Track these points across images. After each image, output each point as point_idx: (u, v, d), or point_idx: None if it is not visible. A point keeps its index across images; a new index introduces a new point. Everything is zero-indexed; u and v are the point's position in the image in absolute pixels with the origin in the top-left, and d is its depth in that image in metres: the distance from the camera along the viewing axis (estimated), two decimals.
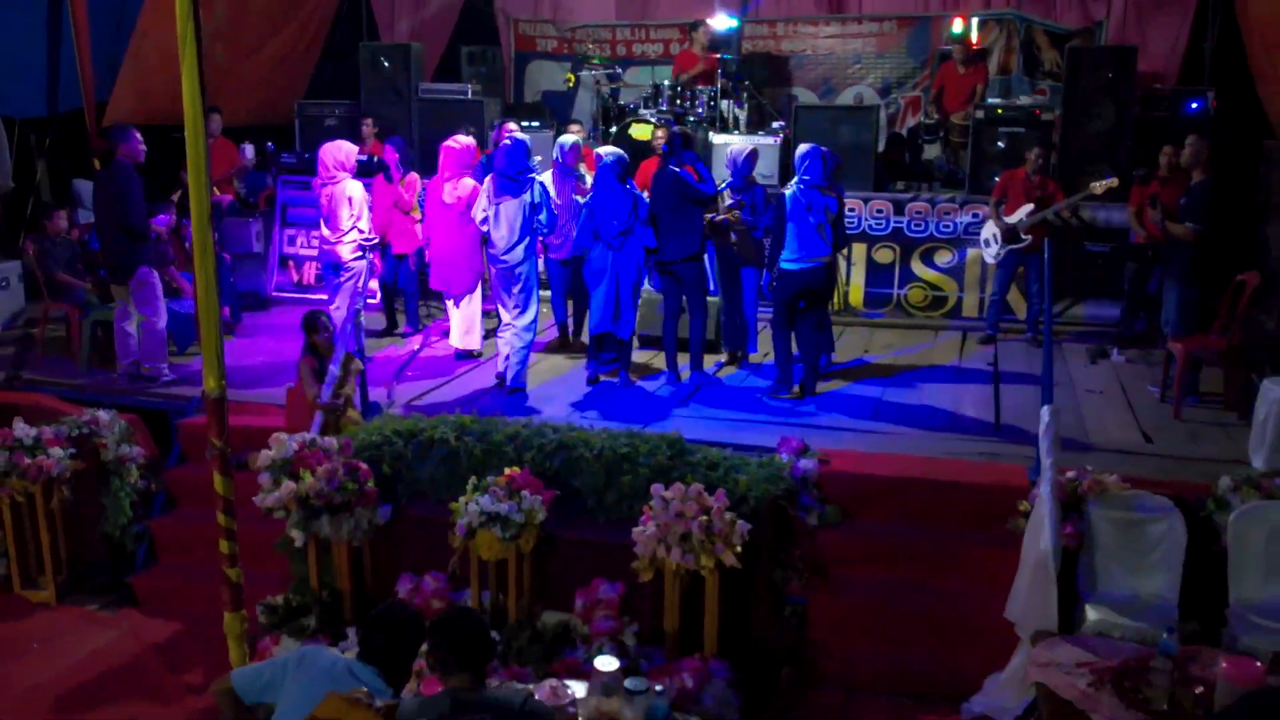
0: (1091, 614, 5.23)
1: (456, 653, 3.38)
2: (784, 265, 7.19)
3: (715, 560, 5.16)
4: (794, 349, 7.48)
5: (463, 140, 8.28)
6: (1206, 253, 7.21)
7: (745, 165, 7.90)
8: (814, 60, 13.23)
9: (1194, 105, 9.62)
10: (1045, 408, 5.38)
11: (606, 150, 7.52)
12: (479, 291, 8.34)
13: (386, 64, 11.19)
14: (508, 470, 5.55)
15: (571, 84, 11.84)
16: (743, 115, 11.42)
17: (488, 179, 7.57)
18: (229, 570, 4.84)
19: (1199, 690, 4.36)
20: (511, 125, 8.94)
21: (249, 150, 10.31)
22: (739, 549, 5.15)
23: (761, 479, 5.56)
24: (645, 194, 7.64)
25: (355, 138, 10.99)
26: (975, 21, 11.78)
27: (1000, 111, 9.94)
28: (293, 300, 10.36)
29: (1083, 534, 5.43)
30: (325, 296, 9.73)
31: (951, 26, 11.61)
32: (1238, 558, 5.29)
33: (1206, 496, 5.54)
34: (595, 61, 11.92)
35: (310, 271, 10.53)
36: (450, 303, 8.40)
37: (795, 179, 7.29)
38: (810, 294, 7.27)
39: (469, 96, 10.99)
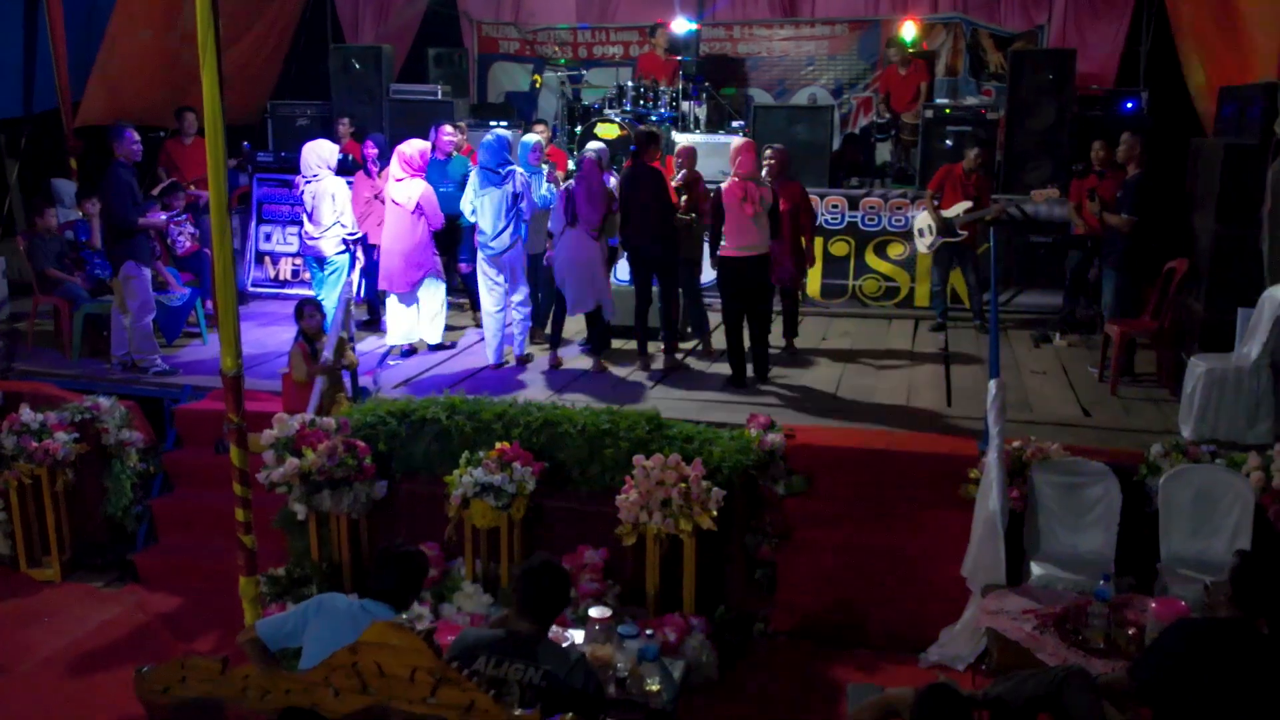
0: (1036, 569, 5.73)
1: (532, 600, 3.71)
2: (721, 254, 7.60)
3: (693, 525, 5.61)
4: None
5: (416, 144, 8.54)
6: (1141, 242, 7.77)
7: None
8: (769, 62, 13.75)
9: (1129, 105, 10.21)
10: (992, 382, 5.87)
11: (594, 145, 7.98)
12: (442, 285, 8.64)
13: (358, 66, 11.50)
14: (498, 445, 5.96)
15: (539, 85, 12.20)
16: (702, 115, 11.87)
17: (473, 173, 7.97)
18: (244, 537, 5.22)
19: (1132, 631, 4.86)
20: (448, 128, 9.27)
21: None
22: (715, 514, 5.60)
23: (733, 451, 6.01)
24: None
25: (329, 137, 11.35)
26: (919, 26, 12.34)
27: (948, 111, 10.48)
28: (270, 295, 10.67)
29: (1027, 497, 5.93)
30: (303, 291, 10.13)
31: (900, 33, 12.11)
32: (1167, 517, 5.81)
33: (1139, 463, 6.06)
34: (561, 64, 12.31)
35: (287, 267, 10.84)
36: (394, 299, 8.50)
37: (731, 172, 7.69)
38: (752, 280, 7.64)
39: (439, 97, 11.35)
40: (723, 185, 7.57)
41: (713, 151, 9.92)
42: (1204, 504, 5.79)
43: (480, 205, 7.82)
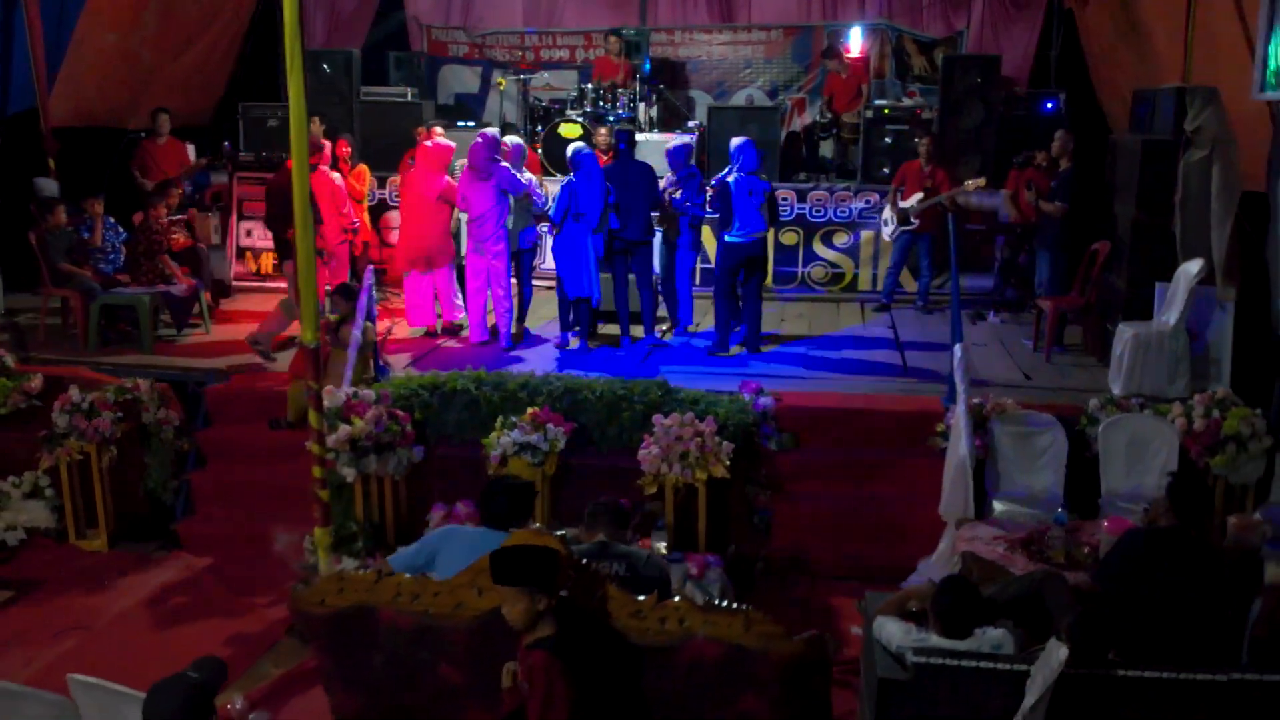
0: (998, 506, 6.67)
1: (605, 518, 4.56)
2: (730, 239, 8.46)
3: (707, 474, 6.43)
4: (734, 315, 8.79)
5: (440, 140, 9.29)
6: (1071, 227, 8.83)
7: (682, 156, 9.18)
8: (708, 65, 14.60)
9: (1049, 105, 11.30)
10: (956, 346, 6.83)
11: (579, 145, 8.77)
12: (452, 270, 9.36)
13: (328, 69, 12.05)
14: (530, 409, 6.70)
15: (503, 87, 12.87)
16: (654, 114, 12.67)
17: (462, 171, 8.68)
18: (320, 492, 5.90)
19: (1086, 549, 5.82)
20: (438, 129, 9.98)
21: (190, 150, 11.19)
22: (727, 464, 6.43)
23: (735, 411, 6.85)
24: None
25: None
26: (858, 30, 13.36)
27: (887, 112, 11.47)
28: (254, 288, 11.19)
29: (988, 445, 6.87)
30: (285, 284, 10.72)
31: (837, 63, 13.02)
32: (1106, 459, 6.80)
33: (1080, 415, 7.05)
34: (521, 78, 13.02)
35: (268, 261, 11.37)
36: (411, 282, 9.27)
37: (734, 168, 8.55)
38: (752, 262, 8.57)
39: (408, 99, 11.98)
40: (729, 179, 8.42)
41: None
42: (1136, 447, 6.80)
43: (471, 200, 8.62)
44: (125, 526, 7.55)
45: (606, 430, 6.88)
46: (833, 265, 11.28)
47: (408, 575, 4.32)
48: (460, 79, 15.11)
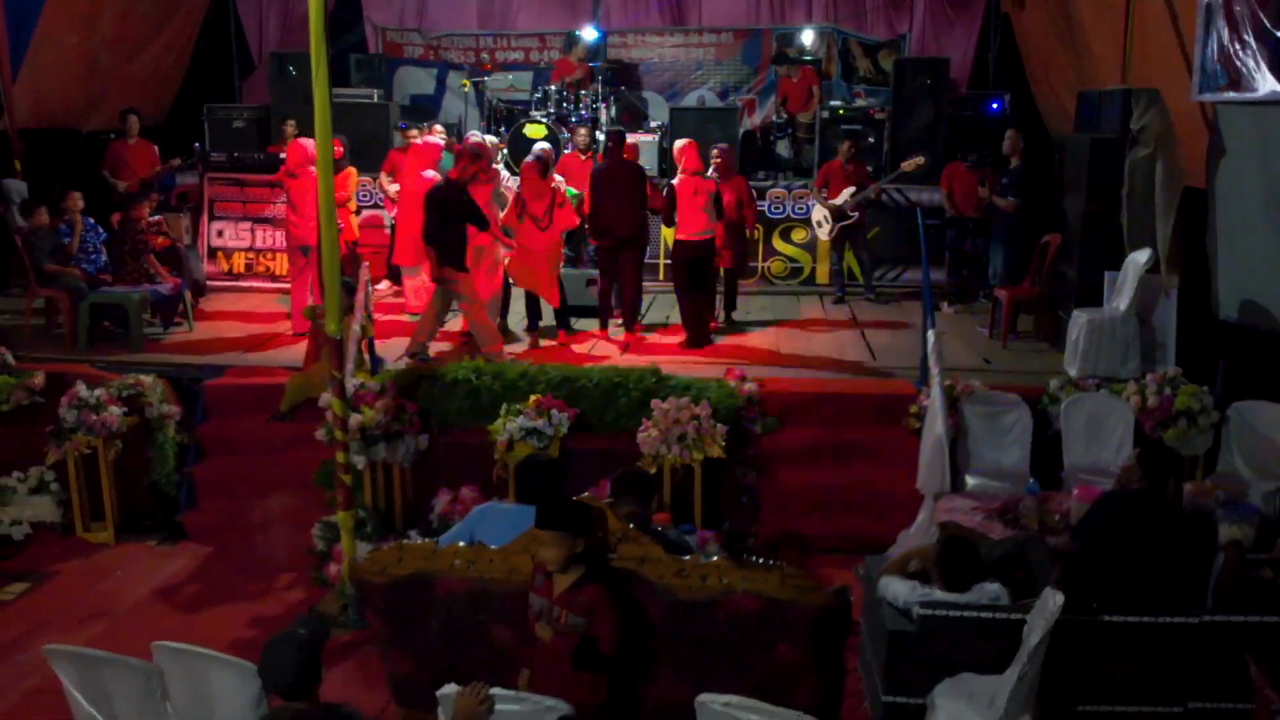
0: (970, 481, 7.16)
1: (632, 485, 4.89)
2: (679, 238, 8.88)
3: (704, 454, 6.83)
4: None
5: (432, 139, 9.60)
6: (1023, 221, 9.39)
7: None
8: (660, 66, 15.04)
9: (995, 105, 11.90)
10: (930, 332, 7.29)
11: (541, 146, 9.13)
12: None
13: (294, 71, 12.22)
14: (534, 396, 7.05)
15: (467, 89, 13.17)
16: (613, 115, 13.05)
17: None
18: (344, 476, 6.20)
19: (1058, 516, 6.32)
20: (439, 127, 10.29)
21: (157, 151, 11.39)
22: (723, 444, 6.84)
23: (725, 396, 7.26)
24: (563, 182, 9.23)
25: (268, 139, 12.11)
26: (811, 34, 13.89)
27: (842, 112, 11.99)
28: (226, 288, 11.36)
29: (959, 424, 7.36)
30: (256, 284, 10.99)
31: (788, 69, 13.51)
32: (1067, 435, 7.33)
33: (1040, 395, 7.58)
34: (482, 79, 13.32)
35: (240, 260, 11.55)
36: (410, 274, 9.65)
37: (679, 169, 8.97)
38: (702, 260, 9.02)
39: (375, 100, 12.22)
40: (675, 181, 8.81)
41: None
42: (1094, 424, 7.34)
43: None
44: (130, 519, 7.75)
45: (604, 415, 7.24)
46: (791, 260, 11.75)
47: (461, 545, 4.66)
48: (416, 80, 15.37)
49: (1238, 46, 7.65)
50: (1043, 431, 7.44)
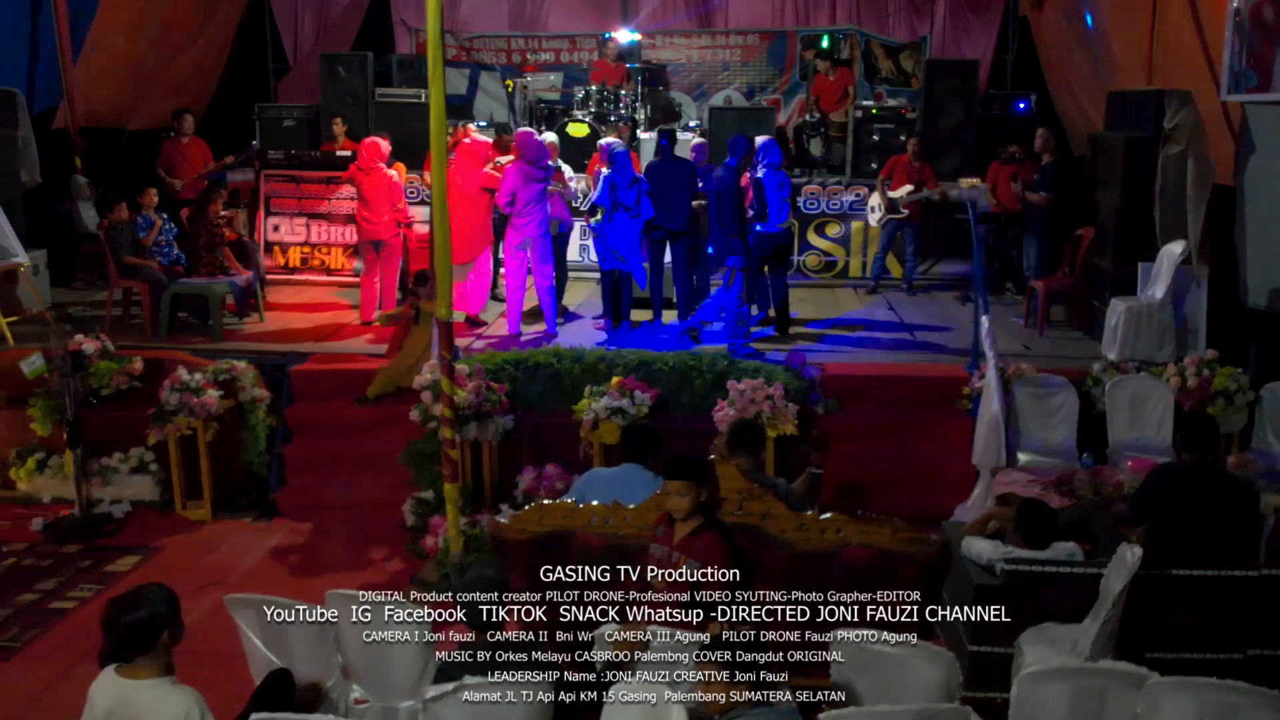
0: (1022, 457, 7.63)
1: (747, 436, 5.36)
2: (763, 230, 9.31)
3: (778, 432, 7.30)
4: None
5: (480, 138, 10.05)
6: (1056, 215, 9.89)
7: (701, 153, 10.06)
8: (688, 68, 15.51)
9: (1021, 105, 12.39)
10: (984, 318, 7.80)
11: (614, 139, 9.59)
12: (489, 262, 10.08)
13: (344, 72, 12.65)
14: (615, 378, 7.51)
15: (510, 89, 13.62)
16: (649, 114, 13.51)
17: (514, 169, 9.43)
18: (451, 451, 6.60)
19: (1110, 487, 6.81)
20: (471, 127, 10.72)
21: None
22: (796, 423, 7.31)
23: (791, 379, 7.73)
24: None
25: (317, 137, 12.53)
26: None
27: (875, 111, 12.45)
28: (283, 281, 11.77)
29: (1011, 405, 7.84)
30: (311, 277, 11.46)
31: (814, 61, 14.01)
32: (1111, 415, 7.80)
33: (1085, 377, 8.07)
34: (523, 80, 13.78)
35: (296, 255, 11.96)
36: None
37: (760, 163, 9.41)
38: (781, 251, 9.46)
39: (421, 100, 12.64)
40: (759, 174, 9.26)
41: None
42: (1137, 404, 7.81)
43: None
44: (224, 497, 8.17)
45: (680, 397, 7.71)
46: (826, 254, 12.22)
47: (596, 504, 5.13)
48: (450, 80, 15.72)
49: (1267, 48, 8.15)
50: (1087, 412, 7.92)
